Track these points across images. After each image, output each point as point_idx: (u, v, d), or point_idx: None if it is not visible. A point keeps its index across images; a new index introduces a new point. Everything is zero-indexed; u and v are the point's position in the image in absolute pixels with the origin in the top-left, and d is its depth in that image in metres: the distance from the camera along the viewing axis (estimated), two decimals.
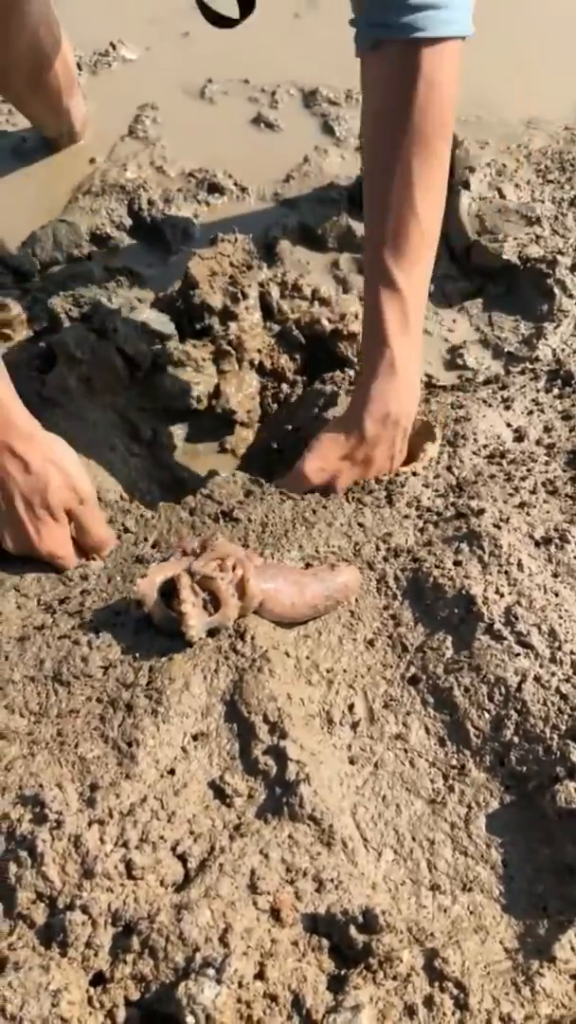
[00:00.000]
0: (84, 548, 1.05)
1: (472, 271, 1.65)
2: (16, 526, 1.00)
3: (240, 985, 0.59)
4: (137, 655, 0.84)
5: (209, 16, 1.08)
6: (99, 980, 0.62)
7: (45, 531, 1.00)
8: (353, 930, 0.64)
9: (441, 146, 1.09)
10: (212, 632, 0.85)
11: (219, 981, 0.57)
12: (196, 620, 0.83)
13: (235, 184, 1.81)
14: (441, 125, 1.07)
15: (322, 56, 2.04)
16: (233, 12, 1.16)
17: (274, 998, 0.60)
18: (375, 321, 1.12)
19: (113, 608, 0.90)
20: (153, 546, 1.04)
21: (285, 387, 1.46)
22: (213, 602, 0.84)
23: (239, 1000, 0.59)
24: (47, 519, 1.00)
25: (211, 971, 0.58)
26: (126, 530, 1.09)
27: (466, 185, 1.70)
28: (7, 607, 0.96)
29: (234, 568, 0.85)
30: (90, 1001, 0.60)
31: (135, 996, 0.60)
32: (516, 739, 0.80)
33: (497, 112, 2.00)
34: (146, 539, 1.05)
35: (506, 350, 1.53)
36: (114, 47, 2.09)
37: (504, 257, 1.59)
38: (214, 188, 1.80)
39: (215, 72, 2.05)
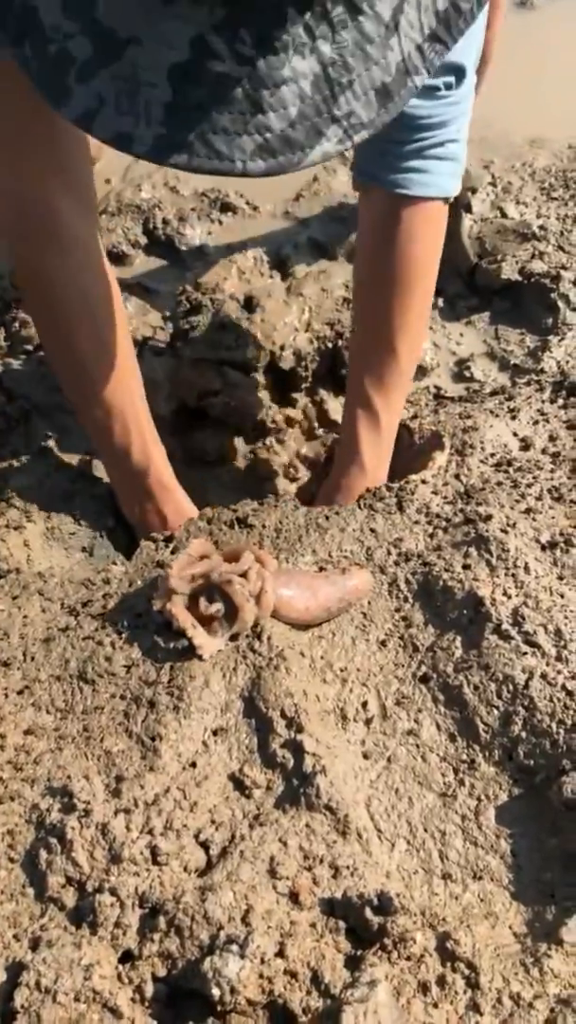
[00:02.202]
0: None
1: (477, 289, 1.70)
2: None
3: (262, 961, 0.62)
4: (159, 654, 0.88)
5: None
6: (127, 957, 0.65)
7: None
8: (368, 912, 0.67)
9: (420, 293, 1.18)
10: (233, 636, 0.88)
11: (243, 956, 0.61)
12: (202, 640, 0.85)
13: (247, 203, 1.86)
14: (422, 275, 1.16)
15: None
16: None
17: (294, 974, 0.63)
18: (352, 437, 1.24)
19: (135, 610, 0.94)
20: (173, 552, 1.07)
21: None
22: (229, 608, 0.87)
23: (261, 975, 0.62)
24: None
25: (235, 947, 0.61)
26: (149, 537, 1.13)
27: (468, 208, 1.74)
28: (32, 610, 0.99)
29: (252, 576, 0.88)
30: (119, 977, 0.63)
31: (162, 972, 0.64)
32: (524, 734, 0.83)
33: (502, 131, 2.05)
34: (166, 544, 1.08)
35: (512, 362, 1.57)
36: None
37: (504, 277, 1.63)
38: (226, 207, 1.85)
39: None
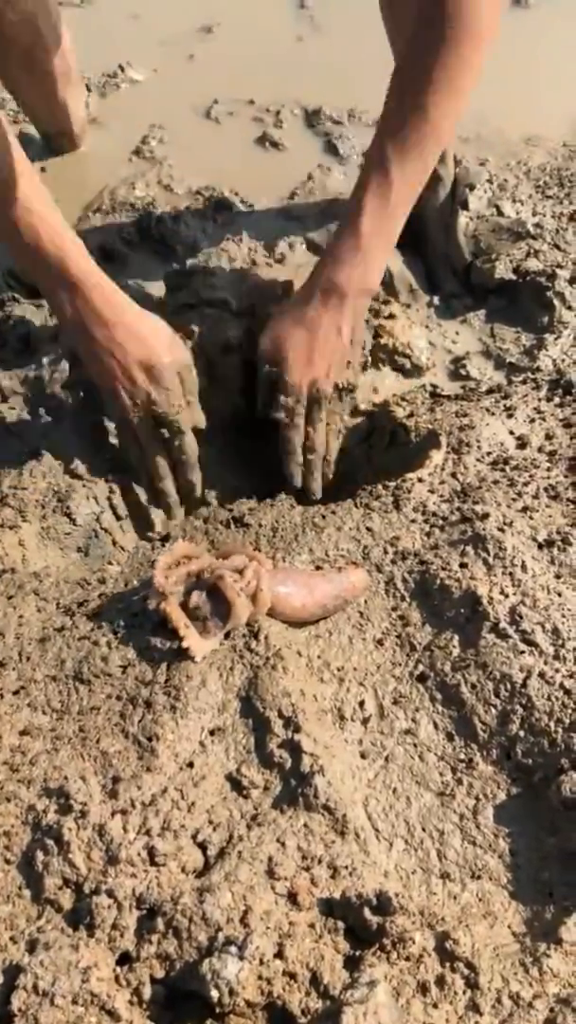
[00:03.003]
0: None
1: (473, 288, 1.70)
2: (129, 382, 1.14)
3: (261, 962, 0.62)
4: (155, 654, 0.87)
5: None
6: (125, 959, 0.65)
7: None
8: (367, 912, 0.67)
9: (471, 55, 1.08)
10: (226, 633, 0.88)
11: (241, 957, 0.60)
12: (193, 642, 0.85)
13: (241, 201, 1.86)
14: (475, 33, 1.06)
15: (325, 77, 2.09)
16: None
17: (293, 975, 0.63)
18: (356, 198, 1.14)
19: (130, 610, 0.93)
20: None
21: None
22: (221, 604, 0.87)
23: (260, 976, 0.62)
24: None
25: (233, 948, 0.61)
26: (144, 536, 1.13)
27: (464, 205, 1.74)
28: (27, 610, 0.99)
29: (248, 574, 0.88)
30: (117, 979, 0.63)
31: (160, 974, 0.63)
32: (522, 733, 0.83)
33: (497, 129, 2.04)
34: (163, 543, 1.08)
35: (508, 361, 1.57)
36: (122, 69, 2.14)
37: (498, 276, 1.63)
38: (221, 205, 1.84)
39: (221, 93, 2.10)
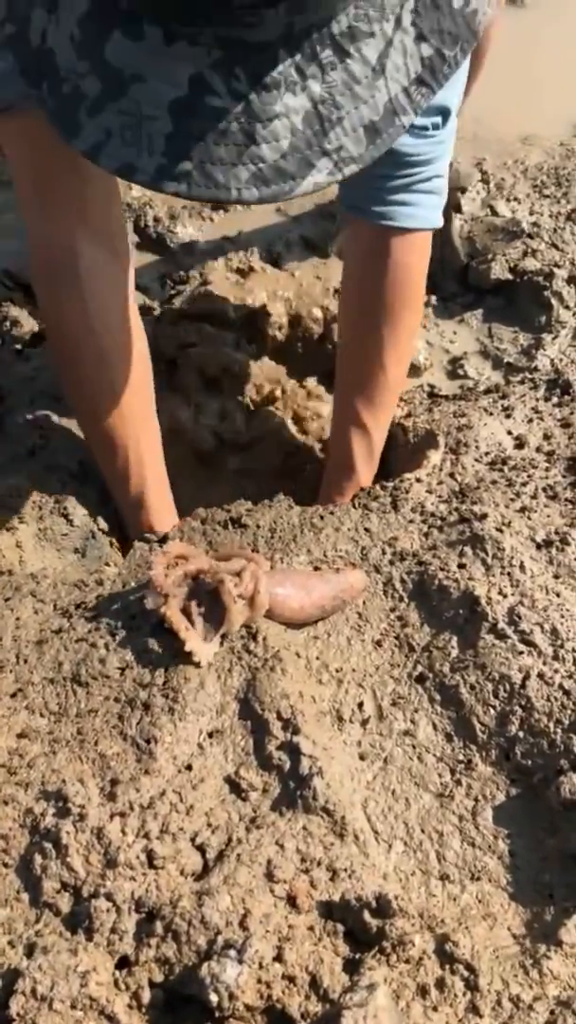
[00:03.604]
0: None
1: (470, 288, 1.70)
2: None
3: (260, 966, 0.62)
4: (153, 656, 0.87)
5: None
6: (124, 963, 0.64)
7: None
8: (367, 915, 0.66)
9: (409, 317, 1.20)
10: (223, 637, 0.87)
11: (241, 961, 0.60)
12: (196, 646, 0.84)
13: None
14: (409, 300, 1.19)
15: None
16: None
17: (292, 979, 0.63)
18: (345, 455, 1.27)
19: (128, 611, 0.93)
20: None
21: None
22: (217, 609, 0.86)
23: (259, 980, 0.61)
24: None
25: (233, 952, 0.61)
26: (142, 538, 1.12)
27: (458, 208, 1.74)
28: (24, 612, 0.98)
29: (246, 576, 0.87)
30: (116, 983, 0.63)
31: (159, 978, 0.63)
32: (521, 734, 0.83)
33: (494, 129, 2.04)
34: (160, 545, 1.08)
35: (506, 360, 1.57)
36: None
37: (494, 277, 1.63)
38: (217, 204, 1.84)
39: None
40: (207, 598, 0.86)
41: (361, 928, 0.67)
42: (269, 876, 0.70)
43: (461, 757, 0.84)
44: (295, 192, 0.61)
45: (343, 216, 1.18)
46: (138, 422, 1.17)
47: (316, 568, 1.00)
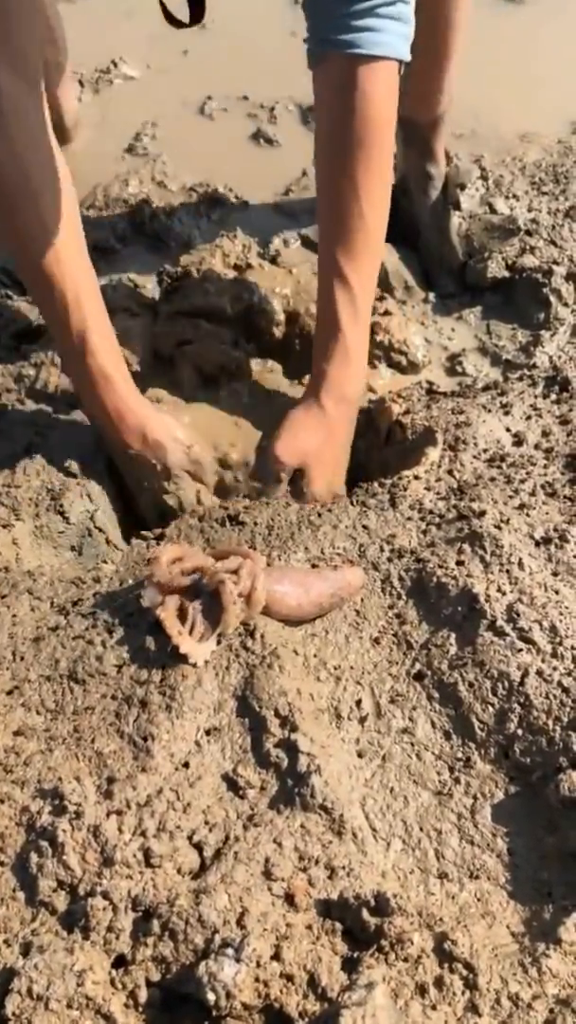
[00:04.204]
0: None
1: (468, 286, 1.69)
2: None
3: (258, 965, 0.61)
4: (150, 654, 0.86)
5: (165, 15, 1.21)
6: (121, 962, 0.64)
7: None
8: (365, 913, 0.66)
9: (379, 155, 1.18)
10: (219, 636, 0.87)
11: (238, 960, 0.60)
12: (190, 648, 0.84)
13: (236, 197, 1.85)
14: (378, 136, 1.17)
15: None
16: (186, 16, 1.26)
17: (290, 978, 0.62)
18: (329, 312, 1.23)
19: (126, 609, 0.92)
20: None
21: None
22: (214, 605, 0.86)
23: (257, 979, 0.61)
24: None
25: (230, 951, 0.60)
26: (139, 535, 1.12)
27: (456, 205, 1.73)
28: (21, 610, 0.98)
29: (243, 574, 0.87)
30: (112, 983, 0.62)
31: (156, 977, 0.63)
32: (520, 731, 0.83)
33: (492, 126, 2.04)
34: (157, 542, 1.07)
35: (504, 357, 1.56)
36: (115, 65, 2.13)
37: (490, 276, 1.63)
38: (215, 201, 1.83)
39: (215, 89, 2.09)
40: (205, 596, 0.85)
41: (359, 927, 0.66)
42: (267, 874, 0.69)
43: (460, 755, 0.83)
44: None
45: (312, 58, 1.17)
46: (74, 258, 1.16)
47: (314, 565, 1.00)
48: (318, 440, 1.24)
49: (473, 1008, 0.64)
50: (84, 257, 1.18)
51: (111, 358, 1.21)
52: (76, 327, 1.17)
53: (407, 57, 1.15)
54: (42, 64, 1.08)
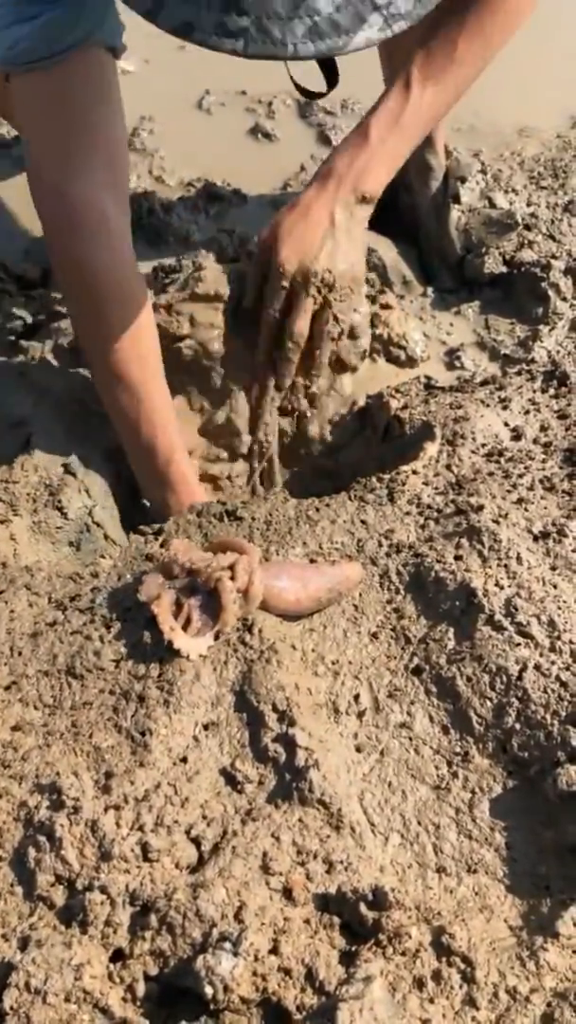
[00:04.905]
0: None
1: (466, 281, 1.69)
2: None
3: (256, 958, 0.61)
4: (148, 649, 0.86)
5: (298, 88, 1.24)
6: (118, 956, 0.64)
7: None
8: (363, 907, 0.66)
9: (493, 31, 1.18)
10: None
11: (236, 954, 0.60)
12: (184, 644, 0.84)
13: (234, 193, 1.85)
14: (504, 19, 1.18)
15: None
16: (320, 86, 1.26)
17: (288, 971, 0.62)
18: (374, 108, 1.20)
19: (123, 604, 0.92)
20: (162, 545, 1.06)
21: None
22: (211, 601, 0.85)
23: (255, 973, 0.61)
24: None
25: (228, 944, 0.60)
26: (137, 530, 1.12)
27: (456, 198, 1.73)
28: (19, 605, 0.98)
29: (240, 569, 0.87)
30: (110, 976, 0.62)
31: (154, 971, 0.63)
32: (518, 726, 0.83)
33: (490, 121, 2.04)
34: (156, 537, 1.07)
35: (503, 352, 1.56)
36: None
37: (487, 271, 1.63)
38: (213, 197, 1.83)
39: (212, 84, 2.08)
40: (203, 592, 0.85)
41: (357, 920, 0.66)
42: (265, 868, 0.69)
43: (458, 749, 0.83)
44: (348, 48, 0.64)
45: None
46: (157, 368, 1.21)
47: (312, 560, 1.00)
48: (290, 215, 1.22)
49: (471, 1001, 0.64)
50: (162, 371, 1.22)
51: (191, 463, 1.25)
52: (161, 438, 1.20)
53: None
54: (129, 190, 1.20)
